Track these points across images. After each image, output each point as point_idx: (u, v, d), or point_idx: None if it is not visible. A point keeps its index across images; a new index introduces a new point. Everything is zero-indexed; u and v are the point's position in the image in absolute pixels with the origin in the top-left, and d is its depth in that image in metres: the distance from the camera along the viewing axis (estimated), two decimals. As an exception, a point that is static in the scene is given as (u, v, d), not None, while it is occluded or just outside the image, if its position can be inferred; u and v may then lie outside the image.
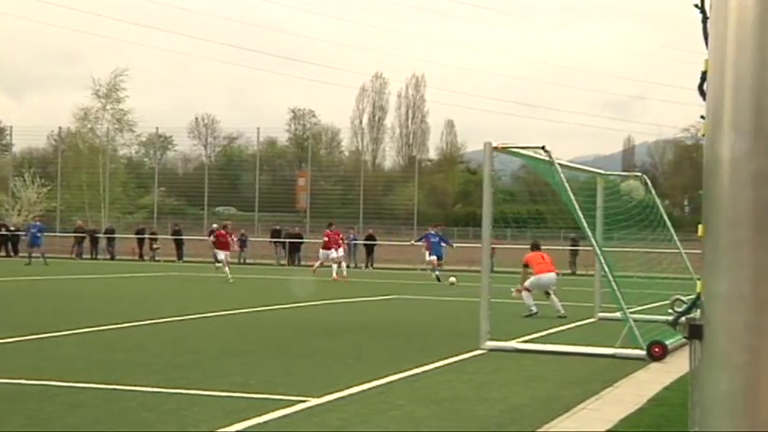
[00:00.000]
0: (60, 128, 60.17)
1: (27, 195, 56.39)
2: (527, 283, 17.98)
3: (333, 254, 31.91)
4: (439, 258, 32.71)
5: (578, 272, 41.56)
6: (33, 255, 37.99)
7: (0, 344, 12.05)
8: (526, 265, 18.38)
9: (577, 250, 42.98)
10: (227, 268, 28.28)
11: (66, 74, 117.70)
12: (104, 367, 10.30)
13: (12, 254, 48.09)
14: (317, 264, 33.38)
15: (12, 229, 50.19)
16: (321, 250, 33.36)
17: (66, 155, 59.61)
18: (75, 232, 50.19)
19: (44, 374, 9.50)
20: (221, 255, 29.01)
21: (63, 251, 48.55)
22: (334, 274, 30.77)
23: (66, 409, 7.89)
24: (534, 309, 17.75)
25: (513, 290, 18.29)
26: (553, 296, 18.11)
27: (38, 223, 41.19)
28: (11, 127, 63.20)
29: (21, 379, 9.22)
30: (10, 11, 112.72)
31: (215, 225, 37.86)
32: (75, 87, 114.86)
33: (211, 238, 31.06)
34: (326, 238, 32.58)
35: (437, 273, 31.55)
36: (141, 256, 47.78)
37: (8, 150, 65.39)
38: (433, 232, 33.59)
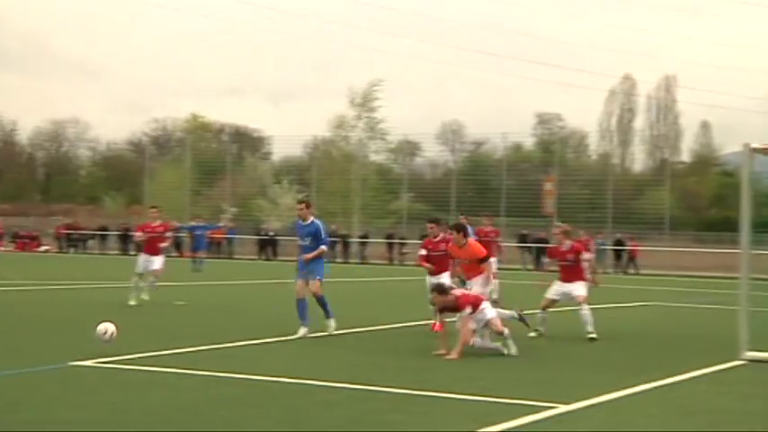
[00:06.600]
0: (315, 136, 62.71)
1: (285, 201, 59.17)
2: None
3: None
4: None
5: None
6: None
7: (264, 344, 12.73)
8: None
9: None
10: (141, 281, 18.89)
11: (321, 84, 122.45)
12: (357, 368, 10.62)
13: (271, 257, 50.59)
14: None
15: (271, 234, 52.79)
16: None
17: (321, 162, 62.02)
18: (330, 236, 52.14)
19: (301, 374, 9.91)
20: (140, 263, 18.94)
21: (317, 255, 50.44)
22: None
23: (320, 408, 8.20)
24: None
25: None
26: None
27: None
28: (271, 136, 66.60)
29: (280, 377, 9.68)
30: (273, 27, 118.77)
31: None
32: (327, 96, 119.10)
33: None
34: None
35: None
36: (391, 260, 48.96)
37: (268, 159, 68.90)
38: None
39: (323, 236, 14.17)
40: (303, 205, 14.32)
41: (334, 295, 22.98)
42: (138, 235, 19.42)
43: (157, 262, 18.66)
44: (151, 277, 18.53)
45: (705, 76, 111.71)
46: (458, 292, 12.46)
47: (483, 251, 13.74)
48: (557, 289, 14.71)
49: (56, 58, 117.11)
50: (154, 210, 19.63)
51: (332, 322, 14.05)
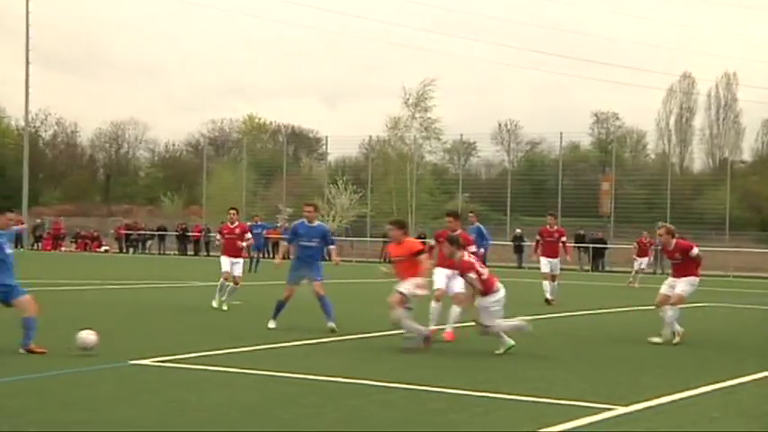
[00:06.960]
0: (371, 136, 62.84)
1: (341, 202, 59.35)
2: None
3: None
4: None
5: None
6: None
7: (319, 344, 12.77)
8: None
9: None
10: (228, 283, 18.34)
11: (375, 84, 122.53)
12: (412, 368, 10.60)
13: (327, 258, 50.77)
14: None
15: (326, 234, 52.89)
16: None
17: (376, 162, 62.10)
18: (383, 237, 52.27)
19: (356, 373, 9.92)
20: (225, 263, 18.59)
21: (373, 255, 50.65)
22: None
23: (378, 408, 8.20)
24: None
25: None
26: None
27: None
28: (326, 137, 66.87)
29: (336, 377, 9.70)
30: (327, 28, 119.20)
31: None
32: (382, 97, 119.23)
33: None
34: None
35: None
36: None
37: (324, 159, 69.20)
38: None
39: (330, 237, 15.71)
40: (312, 208, 15.36)
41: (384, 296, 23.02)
42: (218, 239, 19.48)
43: (238, 267, 18.47)
44: (232, 284, 18.20)
45: (767, 74, 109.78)
46: (465, 255, 12.27)
47: (419, 245, 12.71)
48: (668, 284, 14.22)
49: (114, 60, 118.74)
50: (233, 211, 19.26)
51: (332, 324, 14.16)
